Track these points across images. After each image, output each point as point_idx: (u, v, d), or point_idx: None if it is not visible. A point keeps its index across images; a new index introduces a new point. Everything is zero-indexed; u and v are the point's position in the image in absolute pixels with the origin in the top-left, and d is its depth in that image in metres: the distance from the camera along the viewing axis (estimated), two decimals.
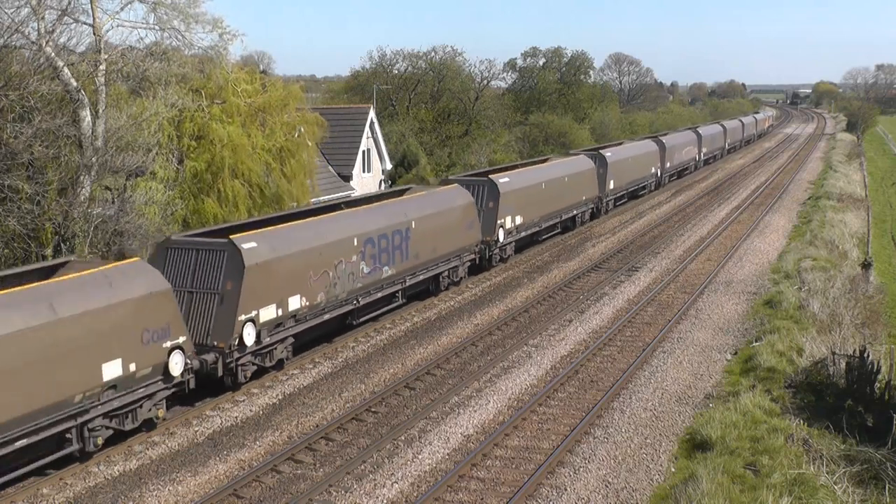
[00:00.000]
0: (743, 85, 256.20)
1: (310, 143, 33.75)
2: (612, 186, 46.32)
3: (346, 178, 44.18)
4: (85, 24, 24.74)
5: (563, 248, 37.53)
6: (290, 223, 22.07)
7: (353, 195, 42.02)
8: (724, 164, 78.45)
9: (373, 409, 18.91)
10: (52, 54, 23.25)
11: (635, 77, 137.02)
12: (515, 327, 25.40)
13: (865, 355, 18.72)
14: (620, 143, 54.34)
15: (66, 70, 23.41)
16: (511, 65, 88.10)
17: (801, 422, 17.51)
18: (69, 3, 23.87)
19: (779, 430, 16.89)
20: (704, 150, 71.78)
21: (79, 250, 22.76)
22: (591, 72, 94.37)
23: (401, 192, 29.35)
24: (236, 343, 19.09)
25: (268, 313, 20.02)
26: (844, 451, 16.10)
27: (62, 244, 22.93)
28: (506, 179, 33.36)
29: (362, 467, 16.10)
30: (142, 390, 16.96)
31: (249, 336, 19.37)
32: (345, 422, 18.17)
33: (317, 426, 18.05)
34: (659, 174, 56.88)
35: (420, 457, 16.52)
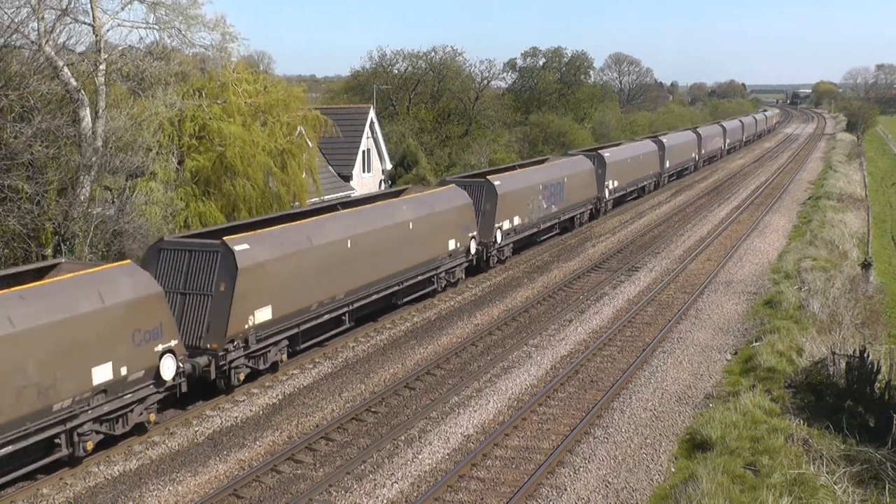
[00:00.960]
0: (743, 85, 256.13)
1: (311, 144, 33.74)
2: (667, 165, 59.07)
3: (346, 178, 44.19)
4: (85, 23, 24.76)
5: (563, 248, 37.52)
6: (502, 173, 34.74)
7: (351, 195, 42.08)
8: (724, 164, 78.50)
9: (373, 409, 18.91)
10: (52, 54, 23.25)
11: (635, 77, 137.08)
12: (515, 327, 25.40)
13: (865, 355, 18.71)
14: (666, 133, 66.54)
15: (66, 70, 23.42)
16: (511, 65, 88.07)
17: (801, 422, 17.50)
18: (69, 3, 23.88)
19: (779, 430, 16.89)
20: (728, 140, 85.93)
21: (78, 250, 22.76)
22: (591, 72, 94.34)
23: (542, 161, 42.20)
24: (493, 240, 31.61)
25: (507, 224, 33.02)
26: (844, 451, 16.10)
27: (62, 244, 22.93)
28: (608, 154, 46.54)
29: (362, 467, 16.10)
30: (457, 261, 29.51)
31: (499, 237, 32.22)
32: (345, 422, 18.17)
33: (317, 426, 18.05)
34: (697, 158, 70.35)
35: (420, 457, 16.52)
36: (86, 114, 23.82)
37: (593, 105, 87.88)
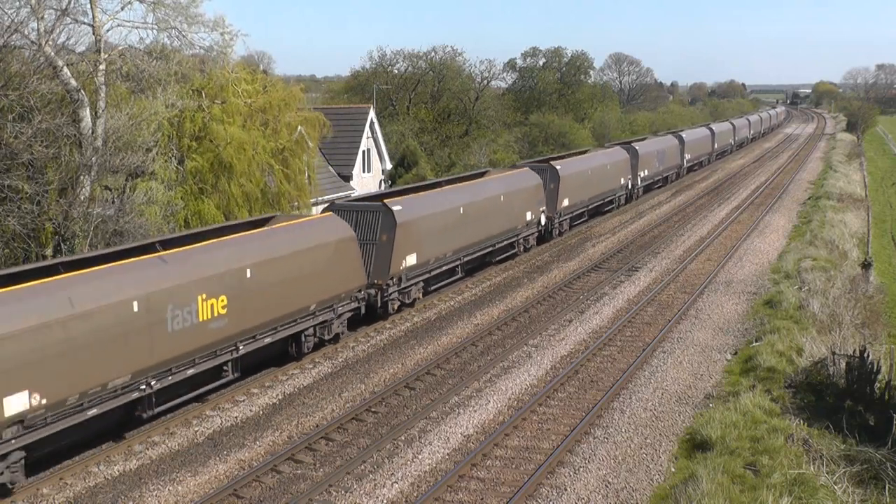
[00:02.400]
0: (743, 85, 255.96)
1: (310, 144, 33.74)
2: (716, 147, 78.27)
3: (346, 178, 44.19)
4: (85, 23, 24.76)
5: (563, 248, 37.53)
6: (637, 143, 52.80)
7: (352, 194, 42.11)
8: (724, 165, 78.55)
9: (373, 409, 18.91)
10: (52, 54, 23.25)
11: (635, 77, 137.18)
12: (515, 327, 25.40)
13: (865, 355, 18.72)
14: (712, 123, 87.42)
15: (65, 70, 23.41)
16: (511, 65, 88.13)
17: (801, 422, 17.50)
18: (69, 3, 23.87)
19: (779, 430, 16.89)
20: (753, 131, 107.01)
21: (78, 251, 22.75)
22: (591, 72, 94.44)
23: (643, 139, 58.96)
24: (637, 182, 50.21)
25: (641, 174, 51.39)
26: (844, 451, 16.10)
27: (62, 244, 22.92)
28: (685, 135, 66.65)
29: (362, 467, 16.10)
30: (621, 192, 48.14)
31: (638, 181, 50.80)
32: (345, 422, 18.17)
33: (317, 426, 18.05)
34: (733, 143, 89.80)
35: (420, 457, 16.52)
36: (86, 114, 23.82)
37: (593, 105, 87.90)
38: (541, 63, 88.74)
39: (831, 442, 16.60)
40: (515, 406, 19.19)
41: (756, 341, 23.42)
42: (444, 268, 28.18)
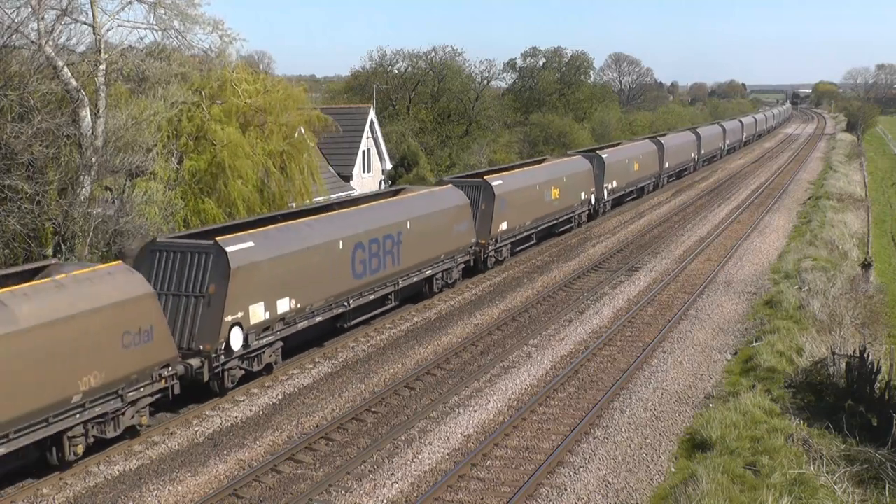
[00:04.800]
0: (743, 85, 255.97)
1: (311, 144, 33.72)
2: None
3: (346, 178, 44.17)
4: (85, 24, 24.75)
5: (564, 248, 37.53)
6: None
7: (352, 194, 42.08)
8: (724, 164, 78.59)
9: (373, 409, 18.91)
10: (52, 54, 23.24)
11: (635, 77, 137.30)
12: (515, 327, 25.40)
13: (865, 355, 18.71)
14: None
15: (66, 70, 23.41)
16: (511, 65, 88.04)
17: (801, 422, 17.50)
18: (69, 3, 23.87)
19: (779, 430, 16.89)
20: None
21: (78, 250, 22.75)
22: (591, 72, 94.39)
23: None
24: (699, 157, 72.84)
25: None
26: (844, 451, 16.10)
27: (62, 244, 22.92)
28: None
29: (362, 467, 16.10)
30: (686, 166, 67.03)
31: (699, 157, 72.49)
32: (345, 422, 18.17)
33: (317, 426, 18.05)
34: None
35: (420, 457, 16.52)
36: (86, 114, 23.81)
37: (593, 105, 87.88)
38: (541, 63, 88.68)
39: (831, 442, 16.61)
40: (515, 406, 19.18)
41: (756, 341, 23.42)
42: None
